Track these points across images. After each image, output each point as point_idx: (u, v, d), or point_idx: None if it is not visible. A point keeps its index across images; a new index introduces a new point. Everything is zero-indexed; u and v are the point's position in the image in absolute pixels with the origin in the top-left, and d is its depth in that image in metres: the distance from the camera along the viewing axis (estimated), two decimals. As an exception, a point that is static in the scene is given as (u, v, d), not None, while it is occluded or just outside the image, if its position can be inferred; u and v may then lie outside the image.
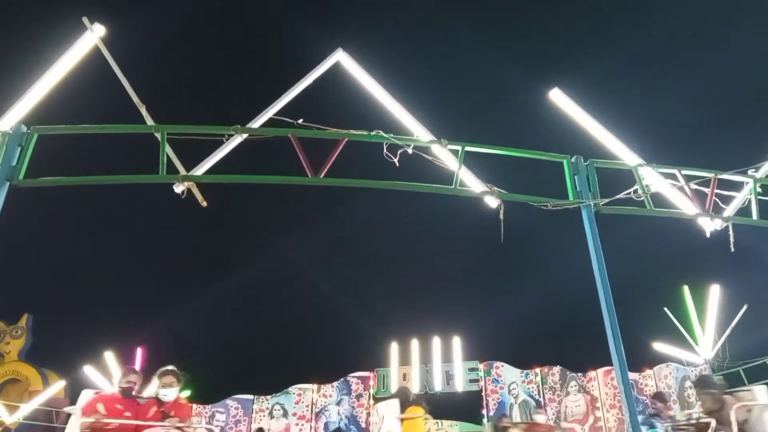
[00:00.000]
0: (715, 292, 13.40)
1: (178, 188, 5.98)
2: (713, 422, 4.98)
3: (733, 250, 6.73)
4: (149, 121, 6.14)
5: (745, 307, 12.75)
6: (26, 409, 16.46)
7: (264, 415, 15.10)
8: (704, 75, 18.32)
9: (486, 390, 14.86)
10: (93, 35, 6.32)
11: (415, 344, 15.59)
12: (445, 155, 6.61)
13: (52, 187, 5.99)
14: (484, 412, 14.68)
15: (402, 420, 7.40)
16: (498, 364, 15.19)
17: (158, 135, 5.95)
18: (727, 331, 12.85)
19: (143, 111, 6.14)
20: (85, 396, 5.19)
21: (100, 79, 6.59)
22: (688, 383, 12.94)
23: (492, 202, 6.48)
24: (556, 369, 14.81)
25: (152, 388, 5.33)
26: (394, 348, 15.66)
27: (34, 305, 19.06)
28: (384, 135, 6.37)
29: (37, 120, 6.04)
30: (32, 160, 5.84)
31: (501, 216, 6.22)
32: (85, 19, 6.32)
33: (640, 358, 14.51)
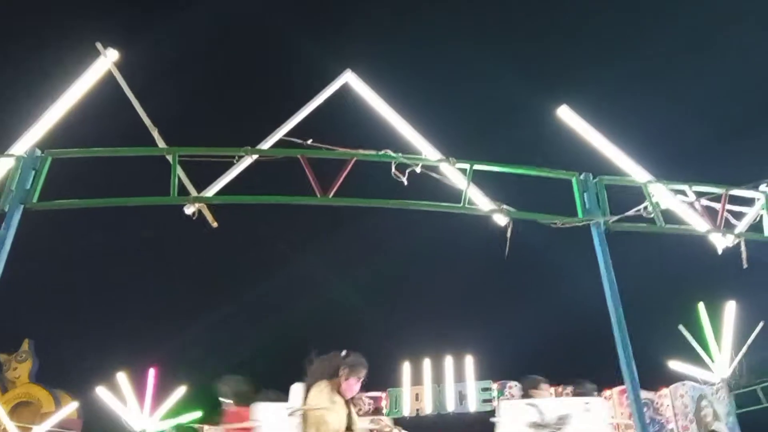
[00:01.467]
0: (730, 310, 13.22)
1: (189, 209, 6.05)
2: None
3: (745, 266, 6.67)
4: (161, 144, 6.24)
5: (761, 325, 12.56)
6: (39, 431, 16.48)
7: (276, 436, 14.99)
8: (713, 89, 18.29)
9: (499, 410, 14.69)
10: (106, 60, 6.47)
11: (427, 363, 15.48)
12: (453, 174, 6.63)
13: (65, 209, 6.08)
14: (498, 432, 14.50)
15: None
16: (511, 383, 15.01)
17: (170, 157, 6.04)
18: (744, 349, 12.66)
19: (155, 134, 6.24)
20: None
21: (113, 103, 6.72)
22: (704, 402, 12.74)
23: (501, 220, 6.49)
24: (570, 388, 14.58)
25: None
26: (406, 368, 15.55)
27: (44, 326, 19.19)
28: (392, 154, 6.40)
29: (51, 144, 6.15)
30: (46, 183, 5.94)
31: (508, 234, 6.22)
32: (98, 45, 6.47)
33: (655, 377, 14.28)
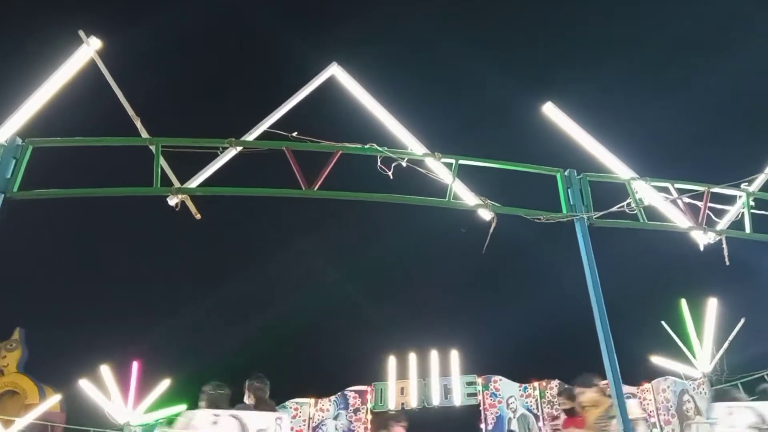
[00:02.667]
0: (712, 306, 13.38)
1: (172, 201, 5.99)
2: None
3: (728, 263, 6.74)
4: (144, 134, 6.18)
5: (742, 321, 12.73)
6: (22, 423, 16.35)
7: (260, 430, 14.98)
8: (698, 89, 18.45)
9: (484, 404, 14.79)
10: (89, 48, 6.38)
11: (412, 358, 15.54)
12: (438, 168, 6.63)
13: (47, 199, 6.01)
14: (483, 426, 14.59)
15: None
16: (496, 377, 15.13)
17: (152, 147, 5.98)
18: (725, 345, 12.82)
19: (138, 123, 6.18)
20: None
21: (95, 92, 6.64)
22: (686, 397, 12.89)
23: (485, 214, 6.50)
24: (555, 383, 14.74)
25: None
26: (391, 362, 15.59)
27: (27, 318, 19.02)
28: (378, 148, 6.39)
29: (32, 132, 6.06)
30: (27, 173, 5.86)
31: (491, 229, 6.23)
32: (81, 33, 6.37)
33: (638, 372, 14.46)
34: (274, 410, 5.72)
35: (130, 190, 6.01)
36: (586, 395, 6.39)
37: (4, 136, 5.90)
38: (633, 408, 5.29)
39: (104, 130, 6.26)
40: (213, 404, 5.27)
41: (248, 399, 5.85)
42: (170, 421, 15.01)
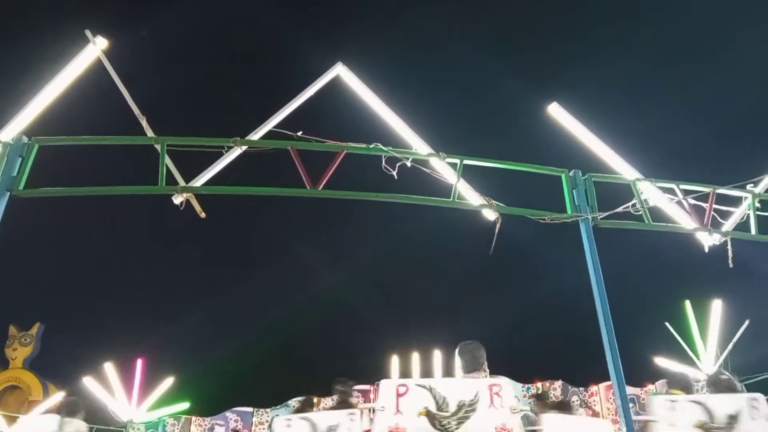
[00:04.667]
0: (717, 308, 13.35)
1: (177, 199, 6.02)
2: None
3: (731, 265, 6.72)
4: (149, 133, 6.19)
5: (747, 323, 12.69)
6: (25, 420, 16.38)
7: (264, 428, 15.02)
8: (704, 90, 18.38)
9: (487, 404, 14.75)
10: (95, 48, 6.40)
11: (415, 357, 15.54)
12: (443, 168, 6.63)
13: (54, 198, 6.04)
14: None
15: None
16: (499, 377, 15.08)
17: (158, 146, 5.99)
18: (729, 346, 12.79)
19: (144, 123, 6.20)
20: None
21: (101, 91, 6.66)
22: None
23: (490, 215, 6.49)
24: (558, 383, 14.72)
25: None
26: (394, 361, 15.60)
27: (27, 316, 19.10)
28: (383, 148, 6.38)
29: (38, 131, 6.08)
30: (33, 171, 5.88)
31: (497, 229, 6.22)
32: (87, 32, 6.40)
33: (642, 374, 14.43)
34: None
35: (136, 189, 6.03)
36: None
37: (10, 134, 5.92)
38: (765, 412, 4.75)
39: (110, 129, 6.29)
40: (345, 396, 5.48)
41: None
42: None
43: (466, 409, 4.38)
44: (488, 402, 4.45)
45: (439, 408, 4.38)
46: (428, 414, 4.37)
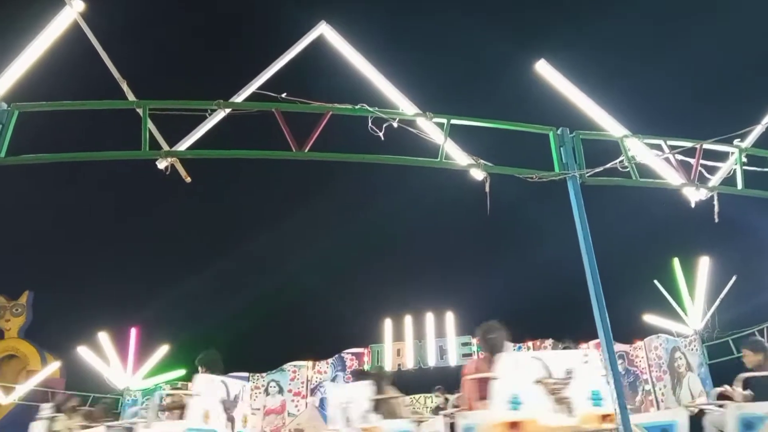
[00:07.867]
0: (704, 264, 13.48)
1: (162, 164, 5.96)
2: None
3: (717, 220, 6.75)
4: (131, 97, 6.11)
5: (734, 279, 12.84)
6: (23, 389, 16.55)
7: (260, 393, 15.23)
8: (692, 46, 18.24)
9: (479, 364, 14.98)
10: (72, 11, 6.25)
11: (408, 320, 15.72)
12: (430, 128, 6.58)
13: (45, 165, 5.97)
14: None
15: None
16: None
17: (140, 110, 5.90)
18: (717, 303, 12.96)
19: (124, 86, 6.11)
20: None
21: (80, 55, 6.52)
22: (677, 354, 13.10)
23: (478, 174, 6.48)
24: (548, 342, 14.94)
25: None
26: (387, 324, 15.79)
27: (32, 282, 19.08)
28: (369, 108, 6.32)
29: (17, 97, 5.98)
30: (14, 138, 5.80)
31: (487, 189, 6.21)
32: (63, -6, 6.24)
33: (630, 330, 14.66)
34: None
35: (119, 154, 5.97)
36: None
37: (-12, 101, 5.82)
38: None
39: (91, 94, 6.18)
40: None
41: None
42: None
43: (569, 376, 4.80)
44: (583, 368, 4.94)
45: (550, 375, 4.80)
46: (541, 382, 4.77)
